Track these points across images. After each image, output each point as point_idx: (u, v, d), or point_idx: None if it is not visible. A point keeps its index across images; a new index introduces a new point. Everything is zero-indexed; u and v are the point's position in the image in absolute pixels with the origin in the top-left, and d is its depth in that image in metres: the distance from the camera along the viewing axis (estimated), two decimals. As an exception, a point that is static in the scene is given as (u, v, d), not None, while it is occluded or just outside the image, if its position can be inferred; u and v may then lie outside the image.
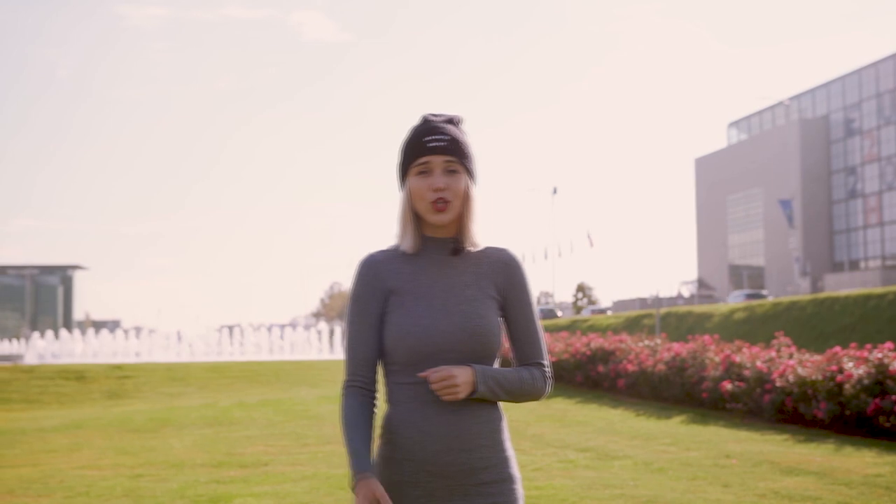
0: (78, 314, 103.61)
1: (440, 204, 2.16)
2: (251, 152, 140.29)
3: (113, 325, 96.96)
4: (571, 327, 30.37)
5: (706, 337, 14.20)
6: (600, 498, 6.45)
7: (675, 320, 27.90)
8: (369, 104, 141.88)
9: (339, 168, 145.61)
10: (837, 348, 10.81)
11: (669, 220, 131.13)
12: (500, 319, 2.24)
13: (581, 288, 75.68)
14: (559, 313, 54.13)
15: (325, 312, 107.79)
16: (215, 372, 23.07)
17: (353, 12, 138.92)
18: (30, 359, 30.20)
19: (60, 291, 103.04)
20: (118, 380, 21.39)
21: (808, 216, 65.21)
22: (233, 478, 7.53)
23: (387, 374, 2.22)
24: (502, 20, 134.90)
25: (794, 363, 10.91)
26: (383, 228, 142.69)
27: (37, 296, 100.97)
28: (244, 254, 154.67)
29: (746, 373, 11.54)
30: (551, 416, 11.77)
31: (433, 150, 2.17)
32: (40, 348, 34.41)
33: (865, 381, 9.50)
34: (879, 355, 9.75)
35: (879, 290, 22.47)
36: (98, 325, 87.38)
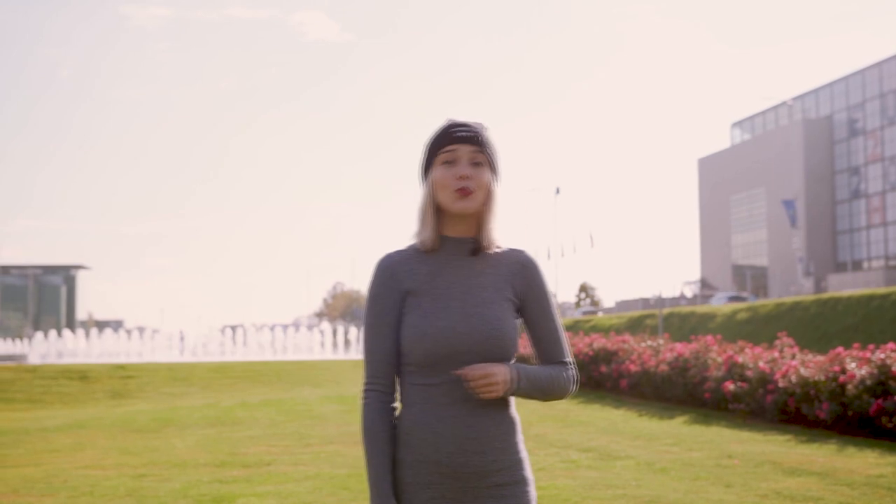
0: (81, 314, 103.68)
1: (464, 190, 2.15)
2: (254, 152, 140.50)
3: (116, 325, 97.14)
4: (574, 327, 30.40)
5: (709, 337, 14.21)
6: (602, 498, 6.46)
7: (677, 320, 27.90)
8: (372, 104, 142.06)
9: (342, 168, 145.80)
10: (840, 349, 10.81)
11: (672, 220, 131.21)
12: (517, 322, 2.23)
13: (584, 288, 75.71)
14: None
15: (327, 312, 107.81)
16: (218, 372, 23.10)
17: (354, 12, 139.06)
18: (33, 359, 30.23)
19: (63, 291, 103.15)
20: (121, 380, 21.43)
21: (811, 216, 65.19)
22: (236, 478, 7.55)
23: (401, 375, 2.20)
24: (505, 20, 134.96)
25: (796, 364, 10.91)
26: (386, 228, 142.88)
27: (40, 296, 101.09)
28: (247, 254, 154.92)
29: (749, 373, 11.54)
30: (554, 417, 11.77)
31: (460, 139, 2.17)
32: (43, 348, 34.49)
33: (868, 382, 9.49)
34: (882, 356, 9.74)
35: (882, 290, 22.47)
36: (101, 325, 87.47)
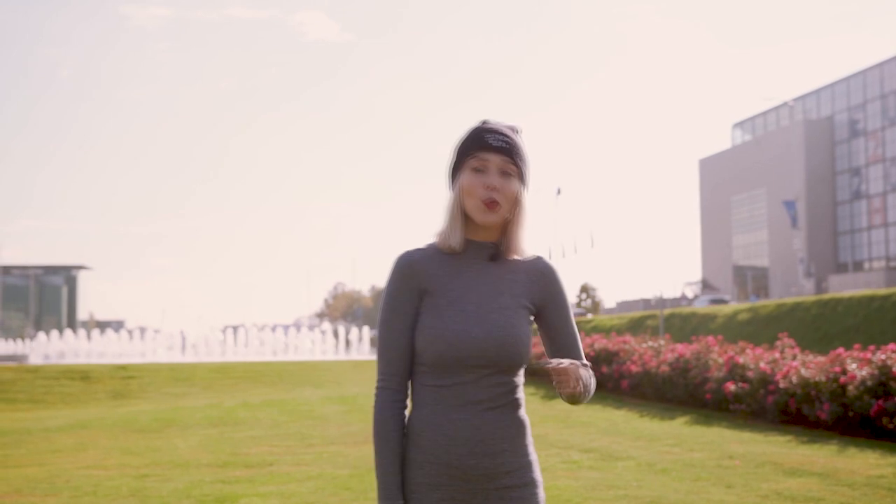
0: (82, 314, 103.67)
1: (491, 203, 2.14)
2: (255, 152, 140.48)
3: (117, 326, 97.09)
4: (575, 328, 30.34)
5: (710, 338, 14.22)
6: (604, 498, 6.47)
7: (678, 321, 27.91)
8: (372, 104, 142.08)
9: (342, 168, 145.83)
10: (841, 350, 10.82)
11: (673, 220, 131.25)
12: (531, 329, 2.23)
13: (585, 289, 75.66)
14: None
15: (328, 313, 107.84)
16: (220, 372, 23.12)
17: (354, 12, 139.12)
18: (34, 359, 30.28)
19: (65, 292, 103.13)
20: (123, 380, 21.46)
21: (812, 217, 65.18)
22: (238, 478, 7.57)
23: (413, 375, 2.21)
24: (505, 20, 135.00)
25: (797, 364, 10.92)
26: (386, 228, 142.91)
27: (41, 296, 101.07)
28: (248, 254, 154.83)
29: (750, 374, 11.56)
30: (555, 417, 11.79)
31: (493, 148, 2.15)
32: (45, 348, 34.54)
33: (869, 383, 9.51)
34: (883, 357, 9.76)
35: (883, 291, 22.46)
36: (102, 326, 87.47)
